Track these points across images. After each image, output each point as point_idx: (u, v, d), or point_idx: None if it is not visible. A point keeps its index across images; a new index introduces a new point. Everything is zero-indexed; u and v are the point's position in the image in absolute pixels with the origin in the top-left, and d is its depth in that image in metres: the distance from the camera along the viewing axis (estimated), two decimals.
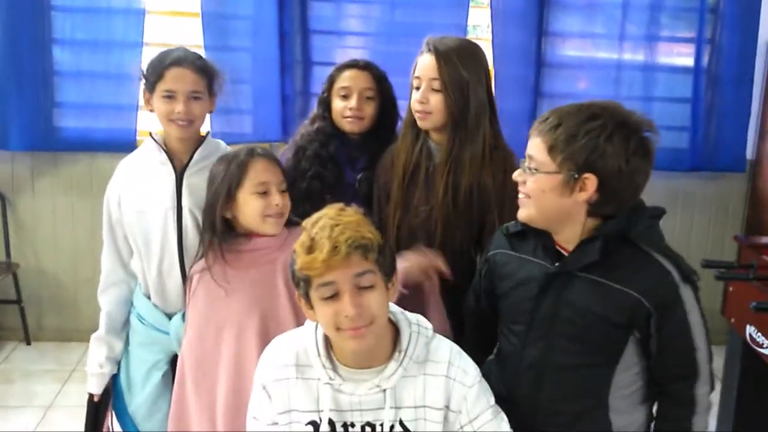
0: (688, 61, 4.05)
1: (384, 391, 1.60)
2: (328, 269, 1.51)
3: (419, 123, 2.18)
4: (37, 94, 3.84)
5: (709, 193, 4.27)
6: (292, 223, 2.01)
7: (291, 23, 3.88)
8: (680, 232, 4.18)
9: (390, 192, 2.24)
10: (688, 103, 4.06)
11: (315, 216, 1.59)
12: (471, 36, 4.04)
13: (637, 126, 1.63)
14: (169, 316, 2.16)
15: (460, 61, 2.10)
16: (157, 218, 2.10)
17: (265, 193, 1.96)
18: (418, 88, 2.15)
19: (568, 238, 1.70)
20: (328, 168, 2.36)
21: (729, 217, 4.30)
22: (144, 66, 2.17)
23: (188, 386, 2.04)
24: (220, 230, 1.98)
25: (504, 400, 1.69)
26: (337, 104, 2.38)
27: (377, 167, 2.31)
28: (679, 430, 1.70)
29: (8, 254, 4.03)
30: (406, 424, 1.61)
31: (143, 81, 2.14)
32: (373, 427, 1.61)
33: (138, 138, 3.85)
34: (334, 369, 1.61)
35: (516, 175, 1.72)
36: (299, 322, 1.86)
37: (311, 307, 1.59)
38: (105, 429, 2.30)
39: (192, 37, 3.82)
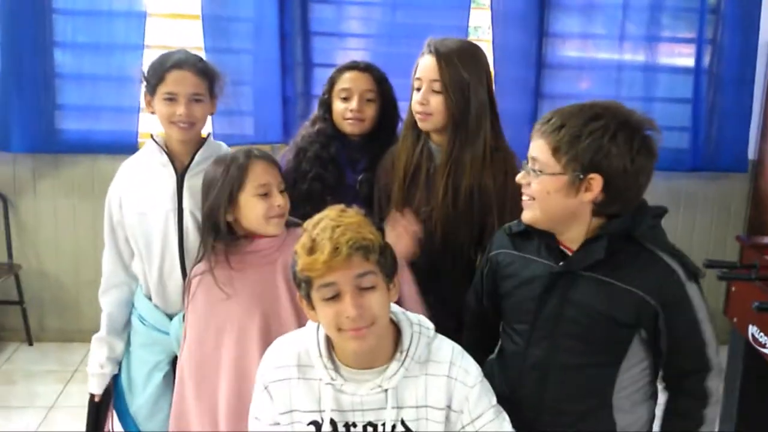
0: (689, 62, 4.05)
1: (386, 391, 1.60)
2: (329, 270, 1.51)
3: (420, 124, 2.18)
4: (39, 96, 3.84)
5: (711, 193, 4.27)
6: (290, 223, 2.02)
7: (292, 25, 3.88)
8: (682, 233, 4.18)
9: (390, 193, 2.24)
10: (689, 103, 4.06)
11: (316, 217, 1.59)
12: (472, 37, 4.04)
13: (640, 125, 1.64)
14: (170, 317, 2.17)
15: (461, 63, 2.10)
16: (158, 220, 2.11)
17: (266, 195, 1.96)
18: (418, 90, 2.15)
19: (572, 238, 1.70)
20: (329, 169, 2.36)
21: (731, 218, 4.30)
22: (145, 68, 2.17)
23: (188, 390, 2.04)
24: (223, 232, 1.98)
25: (506, 400, 1.69)
26: (338, 106, 2.38)
27: (378, 169, 2.32)
28: (691, 421, 1.70)
29: (10, 255, 4.04)
30: (408, 424, 1.61)
31: (144, 83, 2.15)
32: (374, 427, 1.62)
33: (139, 140, 3.85)
34: (336, 369, 1.62)
35: (519, 178, 1.72)
36: (301, 322, 1.87)
37: (313, 307, 1.60)
38: (106, 430, 2.30)
39: (193, 40, 3.83)
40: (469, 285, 2.03)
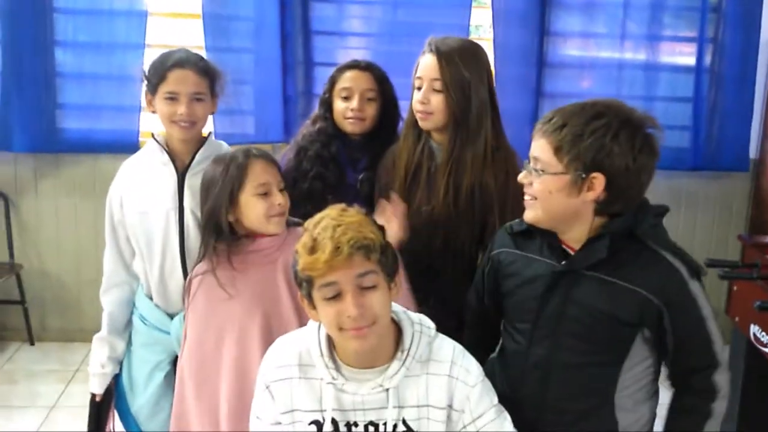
0: (690, 61, 4.05)
1: (387, 390, 1.60)
2: (330, 270, 1.51)
3: (420, 123, 2.18)
4: (40, 95, 3.84)
5: (712, 192, 4.26)
6: (291, 223, 2.02)
7: (293, 24, 3.88)
8: (684, 232, 4.17)
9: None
10: (690, 102, 4.06)
11: (317, 216, 1.59)
12: (473, 36, 4.04)
13: (641, 123, 1.64)
14: (171, 317, 2.16)
15: (461, 62, 2.10)
16: (159, 219, 2.11)
17: (266, 194, 1.96)
18: (419, 89, 2.15)
19: (575, 237, 1.70)
20: (330, 168, 2.36)
21: (732, 217, 4.29)
22: (146, 67, 2.17)
23: (189, 391, 2.04)
24: (225, 233, 1.98)
25: (507, 399, 1.69)
26: (339, 105, 2.38)
27: (379, 168, 2.32)
28: (698, 415, 1.70)
29: (11, 255, 4.04)
30: (409, 423, 1.61)
31: (145, 82, 2.15)
32: (376, 426, 1.62)
33: (140, 139, 3.85)
34: (337, 369, 1.62)
35: (521, 177, 1.72)
36: (302, 321, 1.86)
37: (314, 307, 1.60)
38: (108, 430, 2.30)
39: (193, 39, 3.83)
40: (470, 284, 2.03)
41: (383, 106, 2.40)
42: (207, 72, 2.13)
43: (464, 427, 1.63)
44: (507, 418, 1.66)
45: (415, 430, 1.62)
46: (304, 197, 2.30)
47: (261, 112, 3.96)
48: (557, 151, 1.63)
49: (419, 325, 1.66)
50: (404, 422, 1.61)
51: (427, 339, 1.64)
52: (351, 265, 1.51)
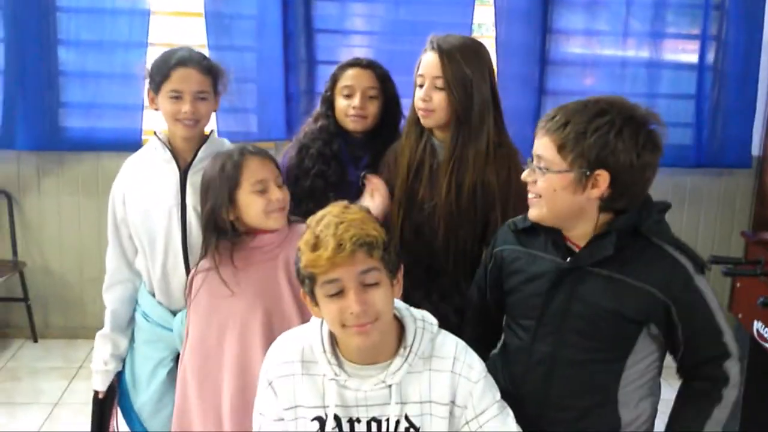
0: (693, 58, 4.04)
1: (389, 386, 1.60)
2: (332, 267, 1.51)
3: (422, 121, 2.18)
4: (43, 94, 3.85)
5: (715, 189, 4.26)
6: (292, 220, 2.02)
7: (295, 22, 3.88)
8: (687, 229, 4.17)
9: (393, 190, 2.24)
10: (693, 99, 4.05)
11: (319, 214, 1.59)
12: (476, 34, 4.04)
13: (645, 120, 1.64)
14: (174, 314, 2.17)
15: (463, 59, 2.10)
16: (161, 216, 2.11)
17: (264, 191, 1.96)
18: (421, 86, 2.15)
19: (579, 234, 1.71)
20: (332, 166, 2.37)
21: (736, 214, 4.29)
22: (149, 66, 2.17)
23: (191, 389, 2.05)
24: (227, 232, 1.98)
25: (510, 396, 1.69)
26: (341, 103, 2.38)
27: (381, 165, 2.32)
28: (707, 400, 1.70)
29: (15, 253, 4.05)
30: (412, 419, 1.62)
31: (148, 80, 2.14)
32: (378, 422, 1.62)
33: (143, 137, 3.85)
34: (340, 365, 1.62)
35: (525, 176, 1.72)
36: (303, 318, 1.87)
37: (316, 304, 1.60)
38: (111, 428, 2.30)
39: (196, 37, 3.83)
40: (472, 281, 2.03)
41: (385, 104, 2.40)
42: (210, 70, 2.13)
43: (467, 423, 1.63)
44: (510, 414, 1.66)
45: (417, 426, 1.62)
46: (306, 195, 2.31)
47: (264, 110, 3.95)
48: (561, 149, 1.63)
49: (422, 321, 1.66)
50: (407, 418, 1.61)
51: (430, 335, 1.65)
52: (353, 262, 1.51)
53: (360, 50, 3.92)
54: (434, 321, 1.69)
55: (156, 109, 2.15)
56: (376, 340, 1.57)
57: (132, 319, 2.26)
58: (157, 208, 2.11)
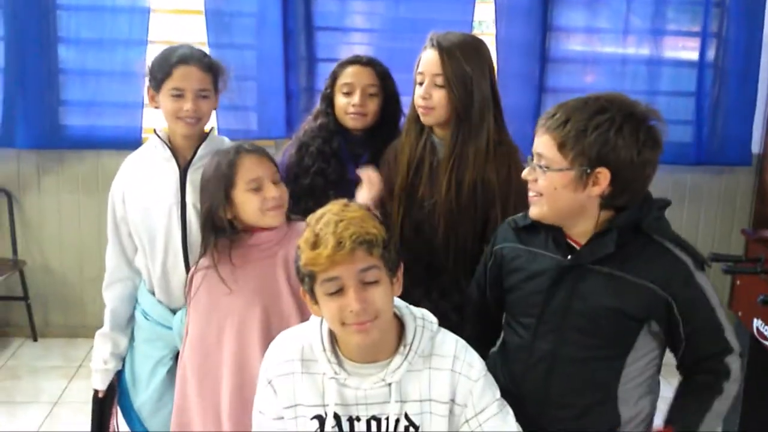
0: (693, 55, 4.04)
1: (389, 385, 1.60)
2: (332, 265, 1.51)
3: (422, 119, 2.18)
4: (43, 92, 3.85)
5: (715, 187, 4.26)
6: (292, 218, 2.02)
7: (295, 20, 3.88)
8: (687, 226, 4.17)
9: (393, 187, 2.24)
10: (693, 97, 4.05)
11: (319, 212, 1.59)
12: (477, 32, 4.04)
13: (645, 116, 1.64)
14: (174, 312, 2.17)
15: (463, 57, 2.10)
16: (161, 214, 2.11)
17: (258, 189, 1.95)
18: (421, 84, 2.15)
19: (580, 232, 1.71)
20: (331, 164, 2.36)
21: (736, 211, 4.29)
22: (149, 63, 2.17)
23: (191, 387, 2.04)
24: (225, 230, 1.98)
25: (509, 394, 1.69)
26: (340, 101, 2.38)
27: (380, 163, 2.31)
28: (708, 391, 1.70)
29: (15, 251, 4.05)
30: (412, 417, 1.61)
31: (149, 78, 2.14)
32: (378, 421, 1.62)
33: (143, 135, 3.85)
34: (340, 363, 1.62)
35: (525, 174, 1.72)
36: (302, 315, 1.87)
37: (316, 302, 1.60)
38: (111, 427, 2.30)
39: (196, 35, 3.83)
40: (471, 279, 2.02)
41: (385, 102, 2.40)
42: (211, 68, 2.13)
43: (467, 421, 1.63)
44: (509, 412, 1.66)
45: (417, 424, 1.62)
46: (306, 193, 2.31)
47: (264, 108, 3.95)
48: (561, 147, 1.62)
49: (421, 319, 1.66)
50: (407, 417, 1.61)
51: (430, 334, 1.65)
52: (353, 260, 1.51)
53: (360, 48, 3.93)
54: (434, 319, 1.68)
55: (156, 107, 2.15)
56: (375, 338, 1.56)
57: (132, 318, 2.26)
58: (157, 206, 2.11)
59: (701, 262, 1.69)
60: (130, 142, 3.61)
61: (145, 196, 2.12)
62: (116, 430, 2.33)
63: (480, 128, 2.13)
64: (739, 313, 2.68)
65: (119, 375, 2.28)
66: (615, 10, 3.99)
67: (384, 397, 1.60)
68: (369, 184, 2.10)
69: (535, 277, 1.75)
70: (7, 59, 3.81)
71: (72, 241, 4.11)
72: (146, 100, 2.18)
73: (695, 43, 4.03)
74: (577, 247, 1.71)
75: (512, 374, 1.79)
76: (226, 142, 2.23)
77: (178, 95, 2.07)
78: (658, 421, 1.78)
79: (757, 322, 2.52)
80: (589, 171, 1.61)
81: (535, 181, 1.69)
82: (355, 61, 2.41)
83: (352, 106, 2.35)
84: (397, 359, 1.60)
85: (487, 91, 2.14)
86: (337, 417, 1.62)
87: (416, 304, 1.72)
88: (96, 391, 2.27)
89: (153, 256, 2.14)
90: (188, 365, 2.05)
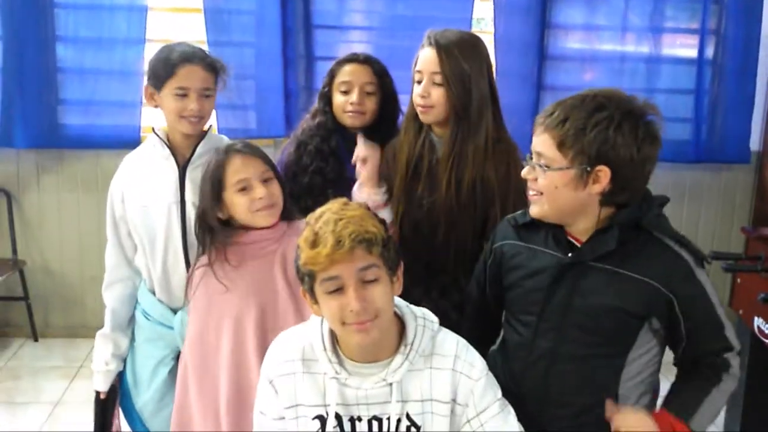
0: (692, 53, 4.04)
1: (390, 384, 1.59)
2: (332, 264, 1.51)
3: (421, 117, 2.18)
4: (41, 91, 3.85)
5: (715, 185, 4.26)
6: (292, 216, 2.01)
7: (294, 18, 3.87)
8: (687, 224, 4.17)
9: (392, 186, 2.23)
10: (692, 94, 4.05)
11: (318, 211, 1.59)
12: (476, 29, 4.03)
13: (643, 112, 1.64)
14: (174, 312, 2.16)
15: (461, 54, 2.09)
16: (160, 213, 2.10)
17: (246, 189, 1.95)
18: (419, 82, 2.15)
19: (581, 229, 1.71)
20: (330, 163, 2.36)
21: (736, 209, 4.29)
22: (148, 62, 2.16)
23: (191, 384, 2.04)
24: (218, 231, 1.98)
25: (510, 393, 1.69)
26: (338, 99, 2.37)
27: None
28: (707, 381, 1.69)
29: (14, 251, 4.05)
30: (413, 417, 1.61)
31: (149, 77, 2.13)
32: (379, 420, 1.62)
33: (142, 134, 3.85)
34: (340, 363, 1.62)
35: (525, 173, 1.72)
36: (299, 314, 1.87)
37: (316, 301, 1.60)
38: (114, 428, 2.30)
39: (194, 33, 3.83)
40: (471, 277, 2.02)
41: (383, 100, 2.39)
42: (213, 67, 2.13)
43: (468, 421, 1.62)
44: (511, 412, 1.65)
45: (418, 424, 1.62)
46: (304, 192, 2.30)
47: (262, 107, 3.95)
48: (561, 146, 1.62)
49: (422, 319, 1.66)
50: (408, 417, 1.61)
51: (431, 333, 1.64)
52: (353, 258, 1.51)
53: (359, 46, 3.92)
54: (435, 319, 1.68)
55: (156, 106, 2.14)
56: (376, 337, 1.56)
57: (132, 318, 2.26)
58: (157, 205, 2.11)
59: (701, 259, 1.69)
60: (129, 140, 3.61)
61: (145, 195, 2.12)
62: (119, 430, 2.32)
63: (479, 126, 2.13)
64: (740, 312, 2.67)
65: (120, 376, 2.28)
66: (614, 8, 3.99)
67: (385, 396, 1.60)
68: (364, 160, 2.08)
69: (535, 275, 1.75)
70: (5, 58, 3.80)
71: (72, 241, 4.10)
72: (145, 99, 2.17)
73: (694, 40, 4.03)
74: (578, 245, 1.71)
75: (512, 372, 1.79)
76: (225, 140, 2.23)
77: (182, 94, 2.07)
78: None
79: (757, 321, 2.52)
80: (589, 169, 1.61)
81: (535, 180, 1.69)
82: (353, 59, 2.41)
83: (350, 104, 2.35)
84: (398, 359, 1.60)
85: (486, 88, 2.14)
86: (338, 417, 1.61)
87: (416, 304, 1.72)
88: (98, 393, 2.27)
89: (153, 255, 2.14)
90: (189, 362, 2.05)
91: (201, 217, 2.00)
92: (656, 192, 1.73)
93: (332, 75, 2.41)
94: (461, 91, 2.10)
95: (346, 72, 2.37)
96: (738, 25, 3.96)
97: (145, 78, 2.16)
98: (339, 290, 1.53)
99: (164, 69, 2.08)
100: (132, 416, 2.29)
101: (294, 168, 2.38)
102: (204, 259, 2.02)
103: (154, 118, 2.26)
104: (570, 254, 1.70)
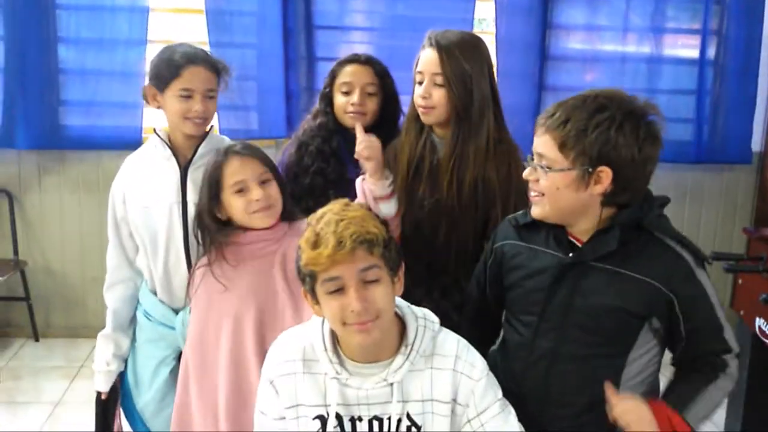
0: (694, 53, 4.04)
1: (391, 385, 1.60)
2: (333, 264, 1.51)
3: (422, 118, 2.18)
4: (43, 92, 3.85)
5: (717, 185, 4.26)
6: (293, 217, 2.01)
7: (295, 19, 3.88)
8: (689, 225, 4.17)
9: (394, 187, 2.23)
10: (694, 95, 4.05)
11: (320, 211, 1.59)
12: (477, 30, 4.03)
13: (644, 112, 1.64)
14: (176, 312, 2.16)
15: (462, 55, 2.09)
16: (162, 214, 2.10)
17: (243, 191, 1.96)
18: (420, 83, 2.14)
19: (582, 229, 1.71)
20: (331, 164, 2.36)
21: (737, 210, 4.29)
22: (148, 63, 2.16)
23: (191, 382, 2.05)
24: (215, 231, 1.99)
25: (510, 393, 1.69)
26: (339, 100, 2.37)
27: None
28: (704, 378, 1.69)
29: (16, 252, 4.05)
30: (414, 417, 1.61)
31: (151, 78, 2.12)
32: (380, 421, 1.62)
33: (143, 135, 3.85)
34: (341, 363, 1.62)
35: (526, 174, 1.72)
36: (298, 315, 1.86)
37: (317, 302, 1.60)
38: (116, 428, 2.30)
39: (196, 34, 3.83)
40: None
41: (384, 101, 2.39)
42: (216, 68, 2.13)
43: (468, 421, 1.62)
44: (511, 412, 1.65)
45: (419, 424, 1.62)
46: (306, 192, 2.31)
47: (264, 108, 3.95)
48: (562, 147, 1.62)
49: (423, 319, 1.66)
50: (408, 417, 1.61)
51: (431, 333, 1.64)
52: (354, 259, 1.51)
53: (360, 46, 3.93)
54: (435, 319, 1.68)
55: (158, 107, 2.14)
56: (377, 338, 1.56)
57: (133, 319, 2.26)
58: (158, 205, 2.11)
59: (702, 260, 1.69)
60: (131, 141, 3.61)
61: (146, 195, 2.12)
62: (121, 431, 2.32)
63: (480, 127, 2.13)
64: (741, 312, 2.67)
65: (121, 376, 2.28)
66: (615, 8, 3.99)
67: (386, 397, 1.60)
68: (366, 156, 2.07)
69: (536, 275, 1.75)
70: (6, 59, 3.81)
71: (73, 241, 4.11)
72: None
73: (695, 40, 4.03)
74: (579, 245, 1.71)
75: (512, 372, 1.79)
76: (226, 140, 2.23)
77: (187, 96, 2.07)
78: None
79: (759, 321, 2.51)
80: (591, 170, 1.61)
81: (537, 181, 1.69)
82: (354, 59, 2.41)
83: (351, 105, 2.35)
84: (399, 359, 1.60)
85: (487, 89, 2.14)
86: (338, 417, 1.61)
87: (417, 304, 1.72)
88: (99, 393, 2.27)
89: (155, 255, 2.14)
90: (190, 361, 2.05)
91: (198, 217, 2.01)
92: (658, 192, 1.73)
93: (333, 76, 2.41)
94: (462, 91, 2.09)
95: (348, 73, 2.37)
96: (740, 26, 3.96)
97: (146, 78, 2.16)
98: (340, 291, 1.54)
99: (169, 70, 2.07)
100: (133, 416, 2.29)
101: (295, 169, 2.38)
102: (205, 259, 2.02)
103: (156, 119, 2.26)
104: (571, 254, 1.70)
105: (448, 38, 2.12)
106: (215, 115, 2.19)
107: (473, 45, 2.15)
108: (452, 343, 1.66)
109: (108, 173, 2.39)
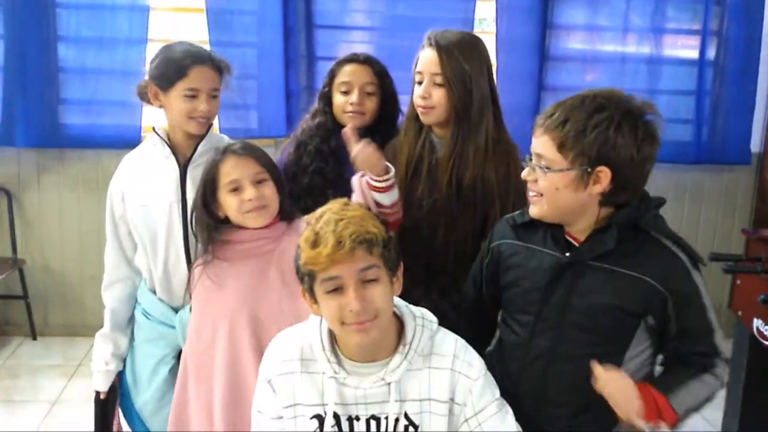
0: (693, 54, 4.04)
1: (389, 384, 1.60)
2: (332, 264, 1.51)
3: (422, 118, 2.18)
4: (43, 91, 3.84)
5: (716, 186, 4.26)
6: (292, 216, 2.01)
7: (295, 18, 3.88)
8: (688, 225, 4.17)
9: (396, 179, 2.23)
10: (694, 95, 4.05)
11: (319, 211, 1.59)
12: (477, 30, 4.03)
13: (642, 112, 1.64)
14: (176, 311, 2.16)
15: (461, 55, 2.10)
16: (161, 212, 2.10)
17: (237, 190, 1.96)
18: (420, 83, 2.15)
19: (580, 229, 1.71)
20: (329, 163, 2.36)
21: (736, 211, 4.29)
22: (148, 63, 2.16)
23: (190, 380, 2.05)
24: (212, 229, 1.99)
25: (507, 393, 1.69)
26: (338, 99, 2.37)
27: None
28: (689, 374, 1.68)
29: (14, 250, 4.05)
30: (411, 417, 1.61)
31: (154, 77, 2.11)
32: (378, 420, 1.62)
33: (143, 134, 3.85)
34: (339, 363, 1.62)
35: (525, 174, 1.72)
36: (295, 314, 1.86)
37: (315, 301, 1.60)
38: (115, 428, 2.30)
39: (196, 33, 3.83)
40: None
41: (383, 100, 2.39)
42: (220, 67, 2.13)
43: (466, 421, 1.63)
44: (509, 411, 1.65)
45: (416, 423, 1.62)
46: (304, 192, 2.30)
47: (264, 107, 3.95)
48: (561, 147, 1.62)
49: (421, 319, 1.66)
50: (406, 416, 1.61)
51: (429, 333, 1.64)
52: (353, 259, 1.51)
53: (360, 46, 3.93)
54: (434, 319, 1.68)
55: (160, 106, 2.14)
56: (375, 337, 1.56)
57: (132, 318, 2.25)
58: (157, 203, 2.11)
59: (697, 261, 1.69)
60: (130, 140, 3.60)
61: (145, 194, 2.12)
62: (120, 430, 2.32)
63: (479, 127, 2.13)
64: (739, 313, 2.67)
65: (120, 376, 2.28)
66: (615, 8, 3.99)
67: (383, 396, 1.60)
68: (364, 162, 2.05)
69: (533, 274, 1.76)
70: (6, 58, 3.80)
71: (72, 240, 4.11)
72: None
73: (695, 41, 4.03)
74: (576, 244, 1.72)
75: (509, 372, 1.79)
76: (225, 139, 2.23)
77: (192, 96, 2.06)
78: None
79: (757, 322, 2.51)
80: (589, 170, 1.61)
81: (535, 181, 1.69)
82: (353, 59, 2.41)
83: (350, 104, 2.35)
84: (397, 358, 1.60)
85: (486, 89, 2.14)
86: (336, 416, 1.61)
87: (416, 304, 1.72)
88: (98, 393, 2.27)
89: (154, 254, 2.14)
90: (189, 358, 2.05)
91: (194, 215, 2.01)
92: (656, 193, 1.73)
93: (332, 75, 2.41)
94: (462, 91, 2.10)
95: (347, 72, 2.37)
96: (739, 26, 3.96)
97: (146, 77, 2.16)
98: (339, 290, 1.54)
99: (175, 70, 2.07)
100: (132, 416, 2.29)
101: (294, 168, 2.38)
102: (203, 258, 2.02)
103: (155, 117, 2.26)
104: (568, 254, 1.71)
105: (447, 38, 2.12)
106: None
107: (472, 45, 2.15)
108: (450, 342, 1.66)
109: (107, 172, 2.38)
